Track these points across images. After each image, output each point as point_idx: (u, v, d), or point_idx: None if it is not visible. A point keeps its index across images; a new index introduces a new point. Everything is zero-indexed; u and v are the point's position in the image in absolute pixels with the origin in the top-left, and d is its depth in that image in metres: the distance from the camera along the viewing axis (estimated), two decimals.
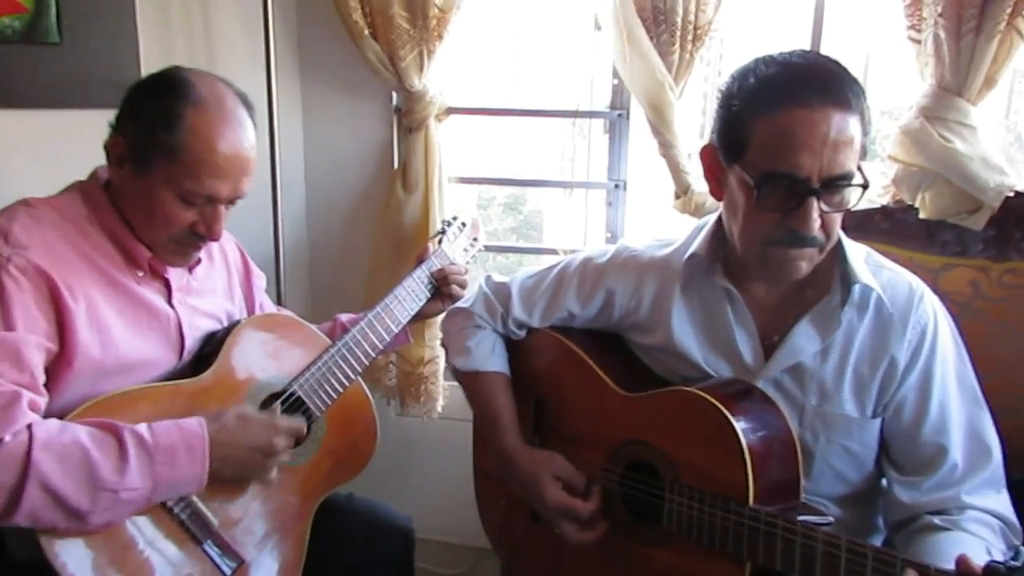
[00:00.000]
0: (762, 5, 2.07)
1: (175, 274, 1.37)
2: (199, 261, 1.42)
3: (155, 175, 1.24)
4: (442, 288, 1.68)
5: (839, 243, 1.27)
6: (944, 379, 1.26)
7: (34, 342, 1.14)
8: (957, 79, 1.72)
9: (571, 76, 2.55)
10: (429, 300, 1.67)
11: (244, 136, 1.28)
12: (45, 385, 1.17)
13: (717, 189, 1.29)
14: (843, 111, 1.13)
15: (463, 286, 1.70)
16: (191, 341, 1.38)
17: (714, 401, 1.21)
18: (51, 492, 1.06)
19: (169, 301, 1.36)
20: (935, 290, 1.34)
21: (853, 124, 1.14)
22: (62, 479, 1.06)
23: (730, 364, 1.34)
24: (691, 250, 1.33)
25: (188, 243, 1.32)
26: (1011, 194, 1.69)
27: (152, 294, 1.33)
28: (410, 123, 2.08)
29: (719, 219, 1.33)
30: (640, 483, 1.32)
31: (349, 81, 2.15)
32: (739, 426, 1.19)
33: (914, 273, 1.69)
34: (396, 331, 1.61)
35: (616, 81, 2.12)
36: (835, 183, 1.15)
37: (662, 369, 1.41)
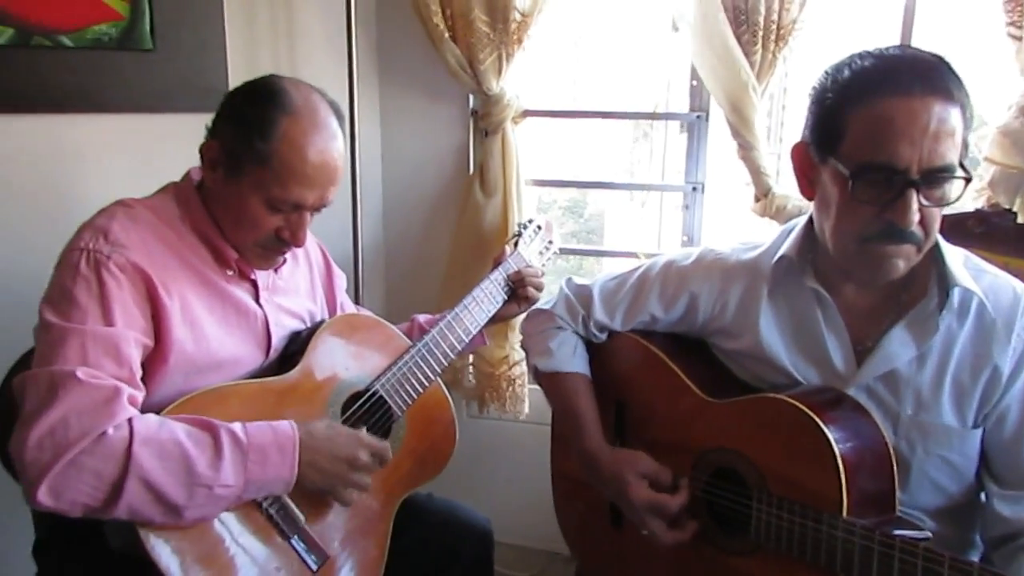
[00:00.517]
0: (849, 4, 2.01)
1: (262, 274, 1.40)
2: (284, 261, 1.45)
3: (246, 180, 1.27)
4: (518, 290, 1.68)
5: (936, 245, 1.22)
6: None
7: (132, 338, 1.18)
8: None
9: (645, 78, 2.54)
10: (505, 303, 1.68)
11: (334, 147, 1.31)
12: (141, 380, 1.20)
13: (808, 188, 1.25)
14: (944, 101, 1.09)
15: (539, 288, 1.70)
16: (277, 339, 1.41)
17: (805, 409, 1.18)
18: (150, 486, 1.09)
19: (256, 300, 1.39)
20: None
21: (955, 115, 1.09)
22: (161, 474, 1.09)
23: (820, 370, 1.30)
24: (780, 252, 1.30)
25: (273, 248, 1.35)
26: None
27: (241, 293, 1.36)
28: (487, 126, 2.09)
29: (809, 221, 1.30)
30: (726, 491, 1.29)
31: (427, 84, 2.18)
32: (831, 435, 1.15)
33: None
34: (474, 332, 1.62)
35: (695, 82, 2.09)
36: (936, 175, 1.10)
37: (748, 375, 1.38)
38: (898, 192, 1.10)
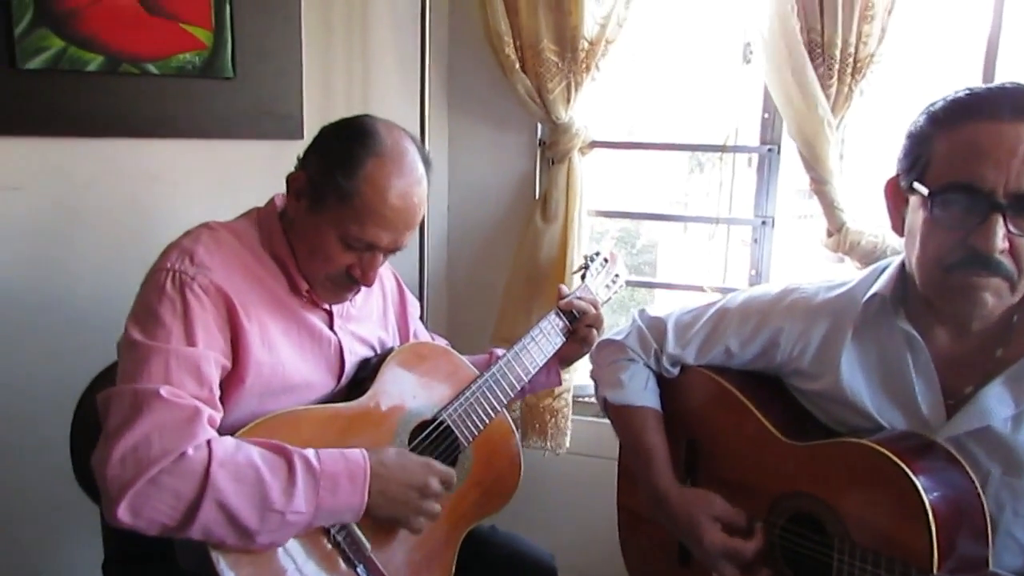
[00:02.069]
0: (931, 36, 1.97)
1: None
2: (358, 291, 1.45)
3: (326, 214, 1.29)
4: (577, 329, 1.64)
5: None
6: None
7: (212, 358, 1.19)
8: None
9: (713, 109, 2.51)
10: (566, 342, 1.64)
11: (416, 192, 1.31)
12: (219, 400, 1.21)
13: (898, 222, 1.22)
14: None
15: (596, 326, 1.65)
16: (349, 366, 1.41)
17: (893, 456, 1.13)
18: (225, 509, 1.09)
19: (331, 327, 1.40)
20: None
21: None
22: (236, 497, 1.10)
23: (905, 417, 1.25)
24: (873, 290, 1.25)
25: (342, 284, 1.35)
26: None
27: (316, 319, 1.37)
28: (554, 155, 2.09)
29: (903, 261, 1.26)
30: (805, 538, 1.24)
31: (495, 113, 2.19)
32: (921, 484, 1.10)
33: None
34: (540, 364, 1.60)
35: (767, 115, 2.06)
36: None
37: (827, 417, 1.33)
38: (983, 216, 1.06)
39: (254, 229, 1.35)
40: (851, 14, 1.81)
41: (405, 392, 1.41)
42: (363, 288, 1.46)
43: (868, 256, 1.91)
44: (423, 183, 1.33)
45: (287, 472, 1.14)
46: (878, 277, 1.28)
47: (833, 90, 1.86)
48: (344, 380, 1.41)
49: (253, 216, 1.38)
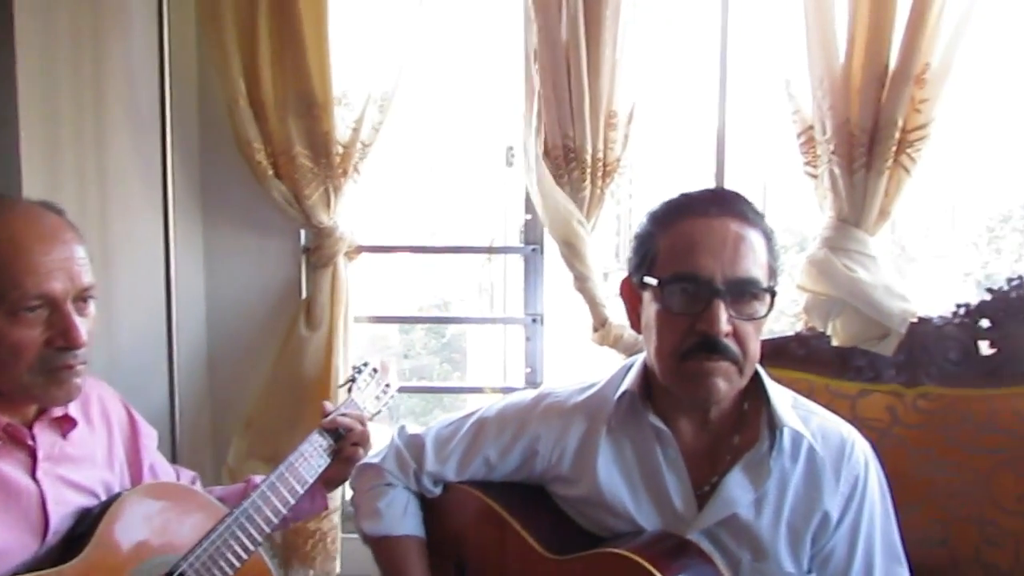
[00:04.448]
0: (667, 143, 2.14)
1: (44, 441, 1.22)
2: (75, 424, 1.27)
3: None
4: (343, 448, 1.53)
5: (763, 387, 1.24)
6: (870, 534, 1.23)
7: None
8: (854, 212, 1.79)
9: (484, 212, 2.57)
10: (331, 463, 1.52)
11: (53, 224, 1.19)
12: None
13: (635, 318, 1.28)
14: (740, 222, 1.18)
15: (362, 443, 1.55)
16: (57, 520, 1.21)
17: (644, 562, 1.13)
18: None
19: (33, 473, 1.20)
20: (854, 417, 1.32)
21: (754, 236, 1.18)
22: None
23: (660, 513, 1.26)
24: (623, 387, 1.28)
25: (56, 365, 1.17)
26: (915, 319, 1.73)
27: (10, 467, 1.17)
28: (318, 260, 2.02)
29: (646, 358, 1.29)
30: None
31: (255, 219, 2.10)
32: None
33: (832, 400, 1.68)
34: (301, 491, 1.47)
35: (529, 216, 2.13)
36: (740, 287, 1.16)
37: (589, 523, 1.31)
38: (706, 302, 1.15)
39: None
40: (597, 122, 1.92)
41: (135, 544, 1.22)
42: (83, 425, 1.29)
43: (631, 349, 1.98)
44: (56, 218, 1.21)
45: None
46: (626, 374, 1.31)
47: (587, 192, 1.95)
48: (52, 538, 1.20)
49: None
